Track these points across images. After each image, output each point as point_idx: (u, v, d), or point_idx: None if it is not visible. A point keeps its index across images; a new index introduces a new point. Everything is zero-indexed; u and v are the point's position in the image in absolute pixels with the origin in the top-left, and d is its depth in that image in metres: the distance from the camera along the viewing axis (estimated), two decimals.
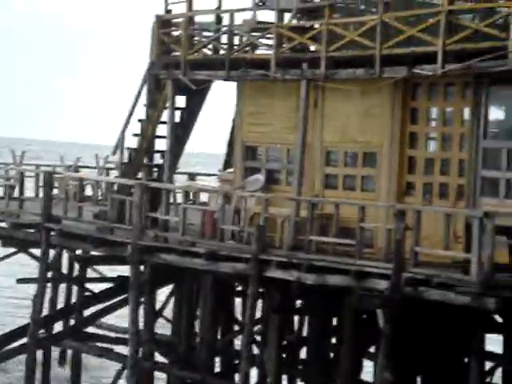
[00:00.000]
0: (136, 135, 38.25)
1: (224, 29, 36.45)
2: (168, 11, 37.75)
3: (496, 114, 29.96)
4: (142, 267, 33.96)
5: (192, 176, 41.51)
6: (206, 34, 37.23)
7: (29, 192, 40.68)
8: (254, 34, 35.83)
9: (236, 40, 36.41)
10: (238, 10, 36.00)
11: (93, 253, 37.80)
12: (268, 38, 35.08)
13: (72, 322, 38.91)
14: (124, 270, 36.36)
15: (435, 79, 30.13)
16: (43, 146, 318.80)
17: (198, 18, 37.46)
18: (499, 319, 29.08)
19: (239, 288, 36.01)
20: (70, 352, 42.19)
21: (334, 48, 31.79)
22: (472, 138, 29.61)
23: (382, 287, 26.70)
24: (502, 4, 28.01)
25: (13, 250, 41.06)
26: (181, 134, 38.18)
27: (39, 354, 37.84)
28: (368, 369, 32.54)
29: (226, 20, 36.68)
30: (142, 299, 34.68)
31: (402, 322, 27.13)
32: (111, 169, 40.58)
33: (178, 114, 37.96)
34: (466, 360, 29.27)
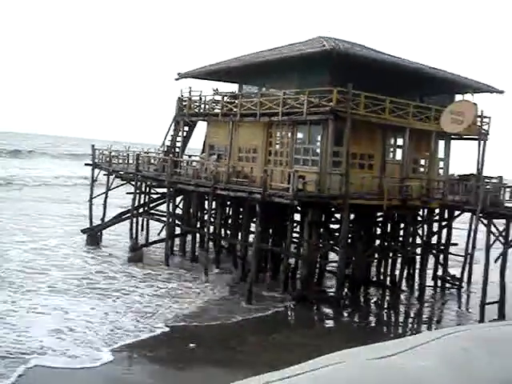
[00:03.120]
0: (170, 141, 37.62)
1: (202, 101, 36.22)
2: (182, 95, 36.90)
3: (299, 135, 29.99)
4: (171, 189, 33.44)
5: (189, 156, 39.61)
6: (196, 103, 36.57)
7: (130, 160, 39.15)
8: (213, 103, 35.88)
9: (207, 106, 35.87)
10: (207, 95, 35.82)
11: (153, 183, 37.14)
12: (218, 105, 34.71)
13: (146, 207, 37.78)
14: (164, 190, 35.60)
15: (279, 122, 29.96)
16: None
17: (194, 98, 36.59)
18: (299, 208, 28.92)
19: (207, 198, 34.19)
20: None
21: (243, 109, 31.88)
22: (291, 144, 29.80)
23: (258, 197, 27.04)
24: (303, 96, 27.79)
25: (123, 182, 39.79)
26: (185, 141, 37.66)
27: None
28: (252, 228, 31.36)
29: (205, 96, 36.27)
30: (171, 201, 34.33)
31: (266, 209, 27.60)
32: (161, 152, 38.46)
33: (184, 133, 37.31)
34: (287, 223, 29.59)
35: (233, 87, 36.99)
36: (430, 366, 2.34)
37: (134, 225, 36.87)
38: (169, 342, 20.75)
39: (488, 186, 29.57)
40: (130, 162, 38.97)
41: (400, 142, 30.95)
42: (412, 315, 28.97)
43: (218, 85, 37.10)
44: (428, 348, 2.50)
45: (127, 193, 39.57)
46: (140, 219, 38.79)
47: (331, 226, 30.96)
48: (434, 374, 2.31)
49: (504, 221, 27.97)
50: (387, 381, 2.19)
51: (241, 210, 33.62)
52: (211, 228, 32.68)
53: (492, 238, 27.90)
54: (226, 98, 34.53)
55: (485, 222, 28.05)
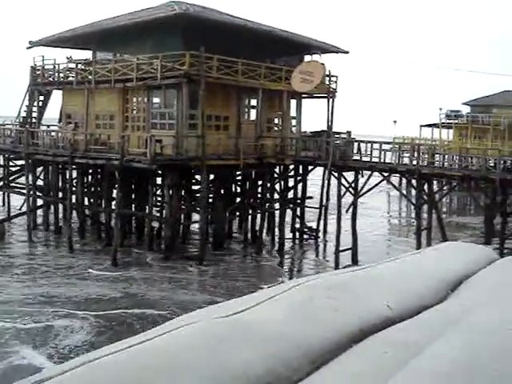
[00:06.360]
0: (25, 111, 36.09)
1: (56, 70, 34.49)
2: (35, 64, 35.03)
3: (155, 100, 29.95)
4: (30, 161, 32.51)
5: (48, 126, 37.52)
6: (50, 72, 34.90)
7: None
8: (67, 71, 34.61)
9: (61, 74, 34.28)
10: (60, 63, 34.23)
11: (11, 156, 35.88)
12: (73, 73, 33.57)
13: (5, 181, 36.32)
14: (23, 162, 34.35)
15: (134, 87, 29.62)
16: None
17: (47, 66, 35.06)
18: (159, 172, 29.51)
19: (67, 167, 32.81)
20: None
21: (97, 76, 31.01)
22: (148, 109, 29.71)
23: (117, 163, 27.12)
24: (157, 61, 27.70)
25: None
26: (41, 111, 36.23)
27: None
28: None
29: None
30: (30, 172, 33.13)
31: (126, 175, 27.81)
32: (17, 124, 36.63)
33: (40, 103, 35.88)
34: (149, 187, 29.92)
35: (87, 54, 36.05)
36: (278, 317, 2.37)
37: None
38: None
39: (338, 142, 31.10)
40: None
41: (254, 102, 31.75)
42: (274, 267, 30.02)
43: (72, 52, 35.89)
44: (278, 300, 2.56)
45: None
46: (0, 193, 37.20)
47: (193, 187, 31.40)
48: (281, 325, 2.33)
49: (353, 173, 29.60)
50: (234, 338, 2.16)
51: (102, 177, 33.17)
52: (73, 198, 32.08)
53: (343, 189, 29.52)
54: (80, 66, 33.64)
55: (336, 174, 29.55)
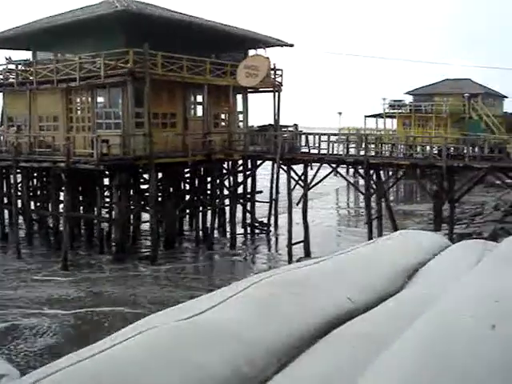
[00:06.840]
0: None
1: None
2: None
3: (100, 99, 29.39)
4: None
5: None
6: None
7: None
8: (7, 73, 33.42)
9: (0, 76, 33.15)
10: (1, 65, 33.33)
11: None
12: (13, 74, 32.58)
13: None
14: None
15: (77, 87, 28.99)
16: None
17: None
18: (107, 173, 28.73)
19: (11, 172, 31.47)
20: None
21: (39, 77, 30.21)
22: (92, 108, 29.07)
23: (63, 165, 26.47)
24: (99, 59, 27.34)
25: None
26: None
27: None
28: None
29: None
30: None
31: (73, 176, 27.24)
32: None
33: None
34: (97, 188, 29.39)
35: (27, 55, 34.99)
36: (240, 317, 2.32)
37: None
38: None
39: (285, 135, 31.20)
40: None
41: (200, 98, 31.57)
42: (227, 264, 29.88)
43: (11, 53, 34.92)
44: (238, 299, 2.50)
45: None
46: None
47: (141, 186, 30.98)
48: (243, 324, 2.29)
49: (302, 165, 29.67)
50: (196, 341, 2.13)
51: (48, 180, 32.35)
52: (19, 202, 31.12)
53: (292, 182, 29.57)
54: (20, 67, 32.65)
55: (285, 168, 29.60)
